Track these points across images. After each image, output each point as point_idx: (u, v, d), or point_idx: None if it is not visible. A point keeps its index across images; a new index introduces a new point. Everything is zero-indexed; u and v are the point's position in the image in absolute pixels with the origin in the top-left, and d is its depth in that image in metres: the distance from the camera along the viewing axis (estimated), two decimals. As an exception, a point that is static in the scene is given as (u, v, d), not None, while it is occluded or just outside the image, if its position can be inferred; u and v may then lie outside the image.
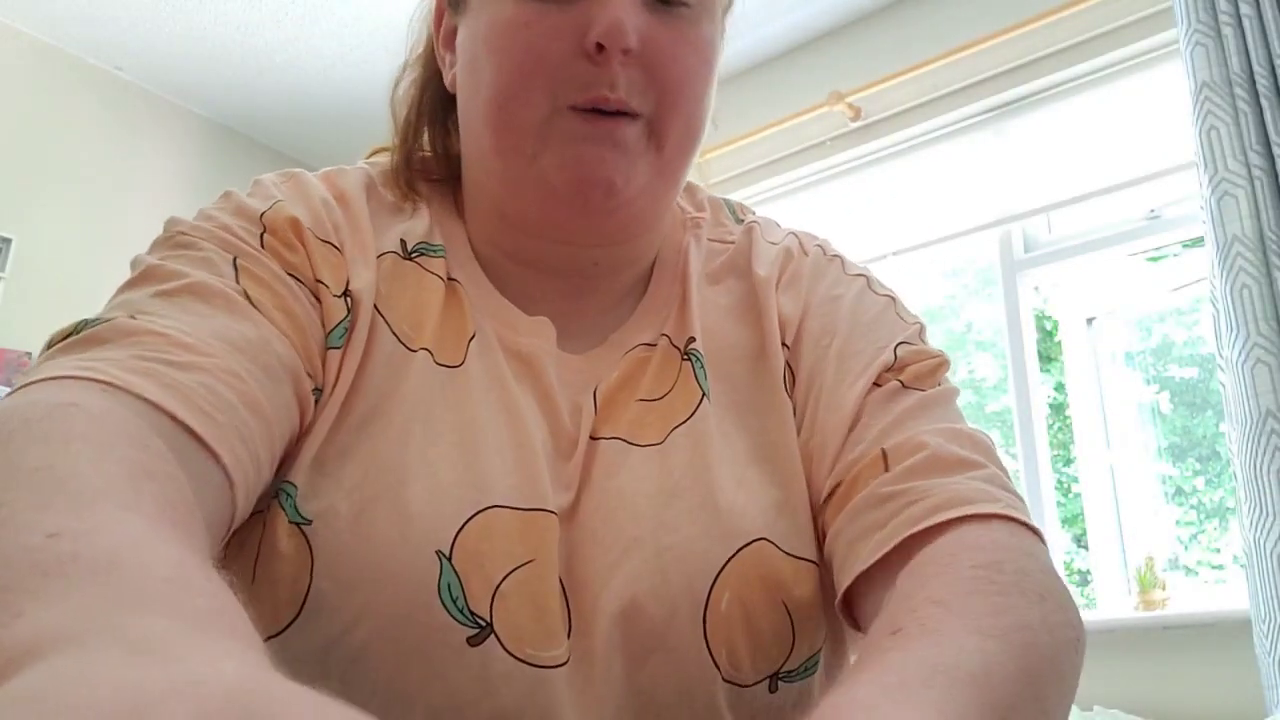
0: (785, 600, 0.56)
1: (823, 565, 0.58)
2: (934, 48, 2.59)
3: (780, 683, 0.56)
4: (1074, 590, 2.44)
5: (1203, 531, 2.42)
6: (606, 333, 0.65)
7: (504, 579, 0.53)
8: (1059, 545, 2.42)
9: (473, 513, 0.54)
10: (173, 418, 0.44)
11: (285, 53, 3.02)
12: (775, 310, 0.66)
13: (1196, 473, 2.45)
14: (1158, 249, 2.44)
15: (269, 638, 0.52)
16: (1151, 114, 2.34)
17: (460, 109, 0.65)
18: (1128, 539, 2.34)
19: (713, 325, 0.66)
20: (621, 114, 0.58)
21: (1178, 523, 2.41)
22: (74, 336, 0.48)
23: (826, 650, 0.59)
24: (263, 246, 0.57)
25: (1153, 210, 2.38)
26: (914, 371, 0.61)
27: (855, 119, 2.74)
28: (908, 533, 0.51)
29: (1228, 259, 1.89)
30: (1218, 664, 1.93)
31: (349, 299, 0.58)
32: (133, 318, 0.49)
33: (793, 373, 0.64)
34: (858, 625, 0.56)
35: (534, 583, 0.53)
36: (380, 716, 0.46)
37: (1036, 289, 2.58)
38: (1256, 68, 1.96)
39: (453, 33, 0.65)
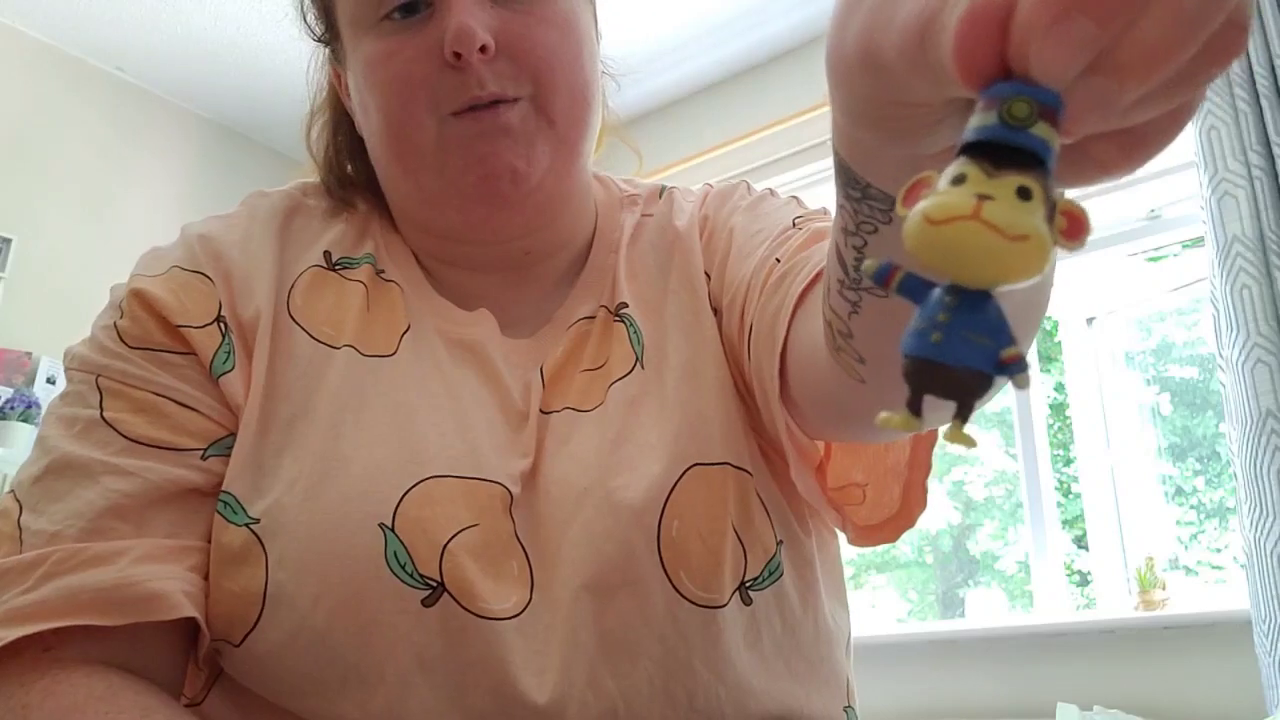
0: (727, 513, 0.58)
1: (745, 468, 0.60)
2: (934, 48, 2.59)
3: (751, 592, 0.58)
4: (1074, 590, 2.44)
5: (1203, 531, 2.42)
6: (550, 313, 0.68)
7: (450, 540, 0.55)
8: (1059, 546, 2.42)
9: (411, 484, 0.56)
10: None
11: (285, 53, 3.03)
12: (696, 249, 0.68)
13: (1196, 473, 2.46)
14: (1158, 249, 2.44)
15: (243, 638, 0.55)
16: (1151, 114, 2.34)
17: (367, 146, 0.69)
18: (1128, 539, 2.34)
19: (642, 284, 0.69)
20: (499, 102, 0.61)
21: (1178, 523, 2.41)
22: None
23: (786, 551, 0.60)
24: (119, 336, 0.61)
25: (1153, 210, 2.38)
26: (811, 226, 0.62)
27: (855, 119, 2.74)
28: (799, 290, 0.53)
29: (1228, 259, 1.89)
30: (1218, 664, 1.93)
31: (222, 324, 0.62)
32: (15, 532, 0.55)
33: (723, 278, 0.66)
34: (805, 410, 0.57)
35: (480, 543, 0.56)
36: (356, 687, 0.52)
37: (1036, 289, 2.58)
38: (1256, 68, 1.96)
39: (345, 82, 0.70)
